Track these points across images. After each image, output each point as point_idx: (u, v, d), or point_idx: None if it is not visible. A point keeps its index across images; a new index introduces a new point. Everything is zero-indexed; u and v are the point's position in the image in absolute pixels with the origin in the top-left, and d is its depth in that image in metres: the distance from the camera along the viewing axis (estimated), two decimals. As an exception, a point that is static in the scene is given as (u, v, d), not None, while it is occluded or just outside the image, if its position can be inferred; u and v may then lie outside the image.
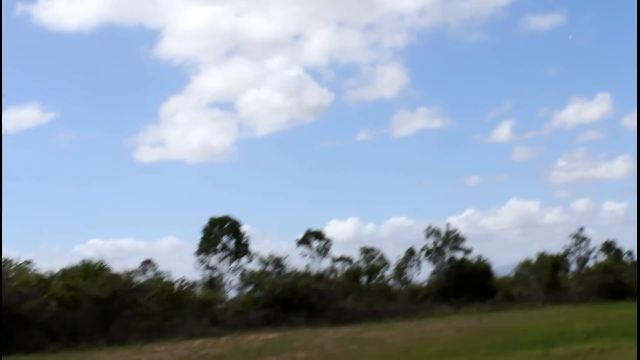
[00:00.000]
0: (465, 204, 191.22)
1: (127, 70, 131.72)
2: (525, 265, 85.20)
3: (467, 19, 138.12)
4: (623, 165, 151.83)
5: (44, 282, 55.97)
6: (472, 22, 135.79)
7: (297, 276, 67.86)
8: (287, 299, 62.88)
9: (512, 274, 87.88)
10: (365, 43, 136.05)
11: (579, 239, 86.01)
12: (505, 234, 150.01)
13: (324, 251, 79.64)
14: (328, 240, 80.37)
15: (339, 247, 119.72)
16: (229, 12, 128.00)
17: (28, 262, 64.35)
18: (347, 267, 79.55)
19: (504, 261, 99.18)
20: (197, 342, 45.79)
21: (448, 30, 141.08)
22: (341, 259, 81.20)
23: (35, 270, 62.65)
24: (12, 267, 62.72)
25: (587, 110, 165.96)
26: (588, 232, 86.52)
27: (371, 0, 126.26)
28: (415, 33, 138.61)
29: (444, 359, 28.10)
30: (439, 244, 79.29)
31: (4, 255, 65.00)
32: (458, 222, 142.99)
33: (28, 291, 51.57)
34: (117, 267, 62.40)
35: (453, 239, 78.91)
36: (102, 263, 62.93)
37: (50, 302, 51.87)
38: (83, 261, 63.01)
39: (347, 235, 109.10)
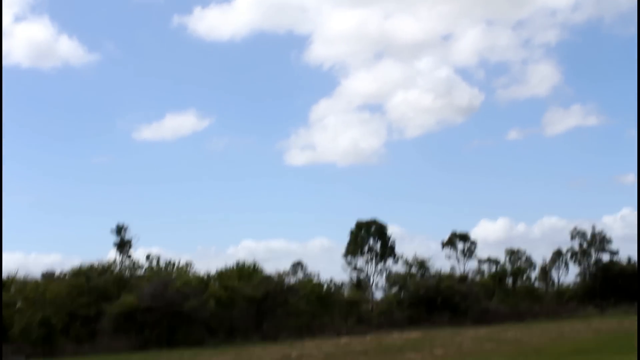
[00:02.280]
0: (621, 204, 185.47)
1: (278, 76, 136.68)
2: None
3: (623, 12, 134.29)
4: None
5: (203, 283, 60.45)
6: (629, 15, 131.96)
7: (441, 278, 69.60)
8: (431, 300, 64.76)
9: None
10: (515, 41, 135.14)
11: None
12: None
13: (468, 253, 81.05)
14: (473, 242, 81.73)
15: (488, 248, 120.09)
16: (377, 14, 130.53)
17: (189, 264, 69.55)
18: (493, 269, 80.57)
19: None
20: (344, 340, 48.46)
21: (603, 25, 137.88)
22: (487, 260, 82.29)
23: (195, 271, 67.68)
24: (174, 269, 67.98)
25: None
26: None
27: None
28: (568, 29, 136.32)
29: (572, 357, 29.42)
30: (585, 246, 78.92)
31: (167, 257, 70.43)
32: (614, 222, 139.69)
33: (189, 291, 55.95)
34: (269, 268, 66.51)
35: (599, 241, 78.38)
36: (255, 264, 67.12)
37: (209, 301, 55.96)
38: (238, 263, 67.41)
39: (497, 235, 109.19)
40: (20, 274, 63.48)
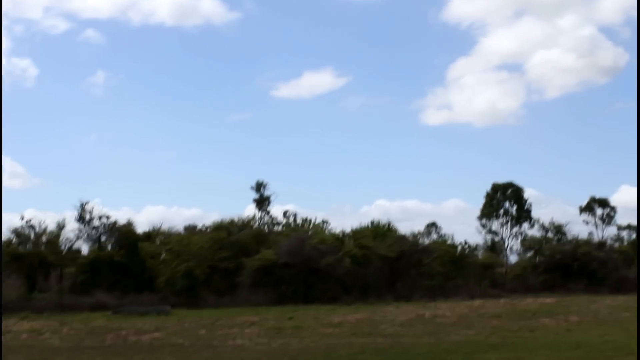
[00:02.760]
0: None
1: (416, 35, 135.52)
2: None
3: None
4: None
5: (338, 241, 61.81)
6: None
7: (578, 243, 68.37)
8: (567, 266, 63.85)
9: None
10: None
11: None
12: None
13: (607, 219, 79.18)
14: (612, 208, 79.75)
15: (628, 214, 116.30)
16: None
17: (325, 222, 71.20)
18: (633, 236, 78.44)
19: None
20: (477, 302, 48.80)
21: None
22: (627, 227, 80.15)
23: (330, 229, 69.23)
24: (311, 226, 69.72)
25: None
26: None
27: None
28: None
29: None
30: None
31: (303, 214, 72.26)
32: None
33: (325, 248, 57.37)
34: (403, 228, 67.13)
35: None
36: (389, 224, 67.93)
37: (345, 259, 57.25)
38: (372, 222, 68.42)
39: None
40: (165, 227, 66.83)
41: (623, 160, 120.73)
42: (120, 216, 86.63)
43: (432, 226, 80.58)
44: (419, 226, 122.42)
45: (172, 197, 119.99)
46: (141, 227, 64.92)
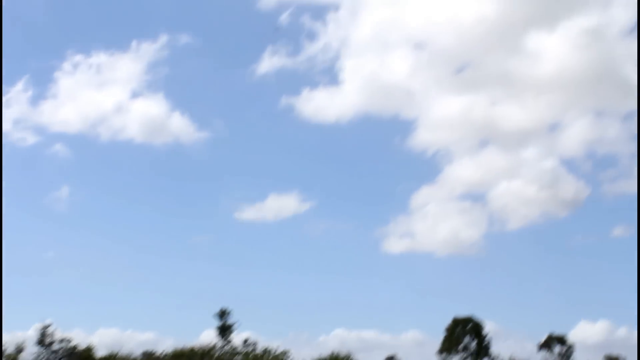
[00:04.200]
0: None
1: (382, 161, 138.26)
2: None
3: None
4: None
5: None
6: None
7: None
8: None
9: None
10: (625, 133, 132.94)
11: None
12: None
13: (565, 357, 79.80)
14: (570, 346, 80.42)
15: (586, 351, 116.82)
16: (483, 101, 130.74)
17: (285, 353, 71.09)
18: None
19: None
20: None
21: None
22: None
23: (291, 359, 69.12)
24: (270, 357, 69.65)
25: None
26: None
27: (633, 88, 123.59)
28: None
29: None
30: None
31: (260, 341, 71.95)
32: None
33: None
34: (363, 359, 66.88)
35: None
36: (349, 356, 68.10)
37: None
38: (332, 353, 68.51)
39: (597, 339, 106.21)
40: (123, 351, 66.35)
41: (582, 295, 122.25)
42: (72, 338, 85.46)
43: (391, 359, 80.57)
44: (377, 358, 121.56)
45: (127, 320, 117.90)
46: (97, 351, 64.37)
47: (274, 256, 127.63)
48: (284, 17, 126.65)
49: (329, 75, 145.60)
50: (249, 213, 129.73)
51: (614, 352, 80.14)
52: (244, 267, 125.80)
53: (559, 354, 79.79)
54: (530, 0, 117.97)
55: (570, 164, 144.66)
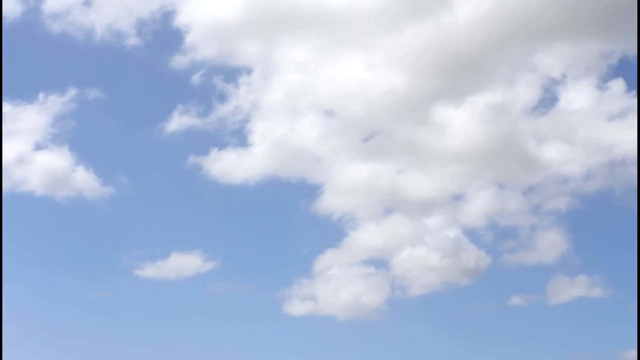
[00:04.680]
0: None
1: (287, 224, 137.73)
2: None
3: (634, 184, 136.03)
4: None
5: None
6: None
7: None
8: None
9: None
10: (526, 206, 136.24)
11: None
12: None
13: None
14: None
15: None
16: (389, 170, 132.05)
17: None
18: None
19: None
20: None
21: (614, 196, 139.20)
22: None
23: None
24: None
25: None
26: None
27: (534, 163, 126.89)
28: (579, 197, 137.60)
29: None
30: None
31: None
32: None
33: None
34: None
35: None
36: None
37: None
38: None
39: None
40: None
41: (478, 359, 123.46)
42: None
43: None
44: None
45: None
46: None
47: (174, 315, 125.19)
48: (196, 78, 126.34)
49: (239, 137, 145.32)
50: (150, 271, 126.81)
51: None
52: (143, 325, 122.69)
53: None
54: (439, 75, 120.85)
55: (472, 234, 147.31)
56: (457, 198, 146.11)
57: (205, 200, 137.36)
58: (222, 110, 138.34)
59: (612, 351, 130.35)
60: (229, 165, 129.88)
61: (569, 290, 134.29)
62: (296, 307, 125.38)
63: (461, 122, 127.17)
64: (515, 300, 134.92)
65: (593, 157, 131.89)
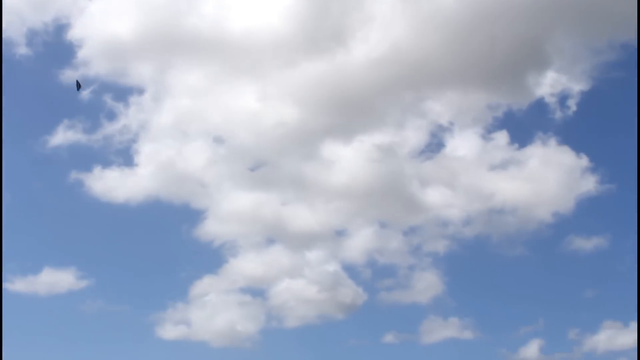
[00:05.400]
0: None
1: (167, 247, 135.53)
2: None
3: (511, 232, 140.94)
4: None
5: None
6: (516, 236, 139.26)
7: None
8: None
9: None
10: (405, 246, 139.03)
11: None
12: None
13: None
14: None
15: None
16: (274, 201, 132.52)
17: None
18: None
19: None
20: None
21: (491, 242, 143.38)
22: None
23: None
24: None
25: (619, 338, 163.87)
26: None
27: (417, 205, 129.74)
28: (457, 241, 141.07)
29: None
30: None
31: None
32: None
33: None
34: None
35: None
36: None
37: None
38: None
39: None
40: None
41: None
42: None
43: None
44: None
45: None
46: None
47: (42, 331, 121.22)
48: (86, 93, 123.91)
49: (124, 156, 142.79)
50: (20, 285, 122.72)
51: None
52: (11, 341, 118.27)
53: None
54: (330, 112, 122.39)
55: (351, 270, 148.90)
56: (339, 233, 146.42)
57: (85, 217, 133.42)
58: (110, 128, 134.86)
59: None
60: (111, 184, 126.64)
61: (441, 330, 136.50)
62: (169, 331, 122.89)
63: (349, 159, 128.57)
64: (389, 338, 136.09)
65: (473, 203, 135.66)
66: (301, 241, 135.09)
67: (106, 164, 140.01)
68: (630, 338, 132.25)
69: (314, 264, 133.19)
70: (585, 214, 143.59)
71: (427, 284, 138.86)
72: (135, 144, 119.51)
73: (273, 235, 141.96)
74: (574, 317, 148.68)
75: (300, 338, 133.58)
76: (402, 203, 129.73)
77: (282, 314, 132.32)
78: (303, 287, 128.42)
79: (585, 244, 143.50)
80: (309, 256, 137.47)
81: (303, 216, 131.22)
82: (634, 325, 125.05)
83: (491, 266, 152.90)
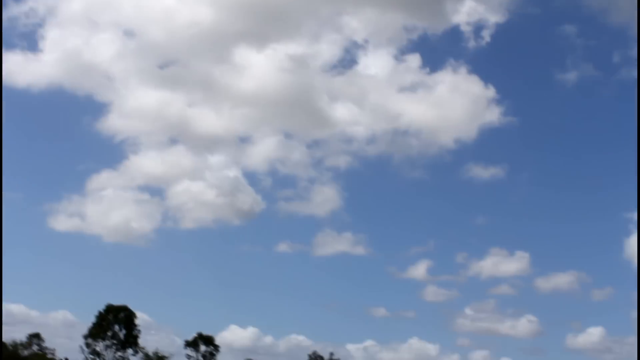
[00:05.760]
0: (367, 335, 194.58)
1: (66, 137, 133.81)
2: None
3: (412, 155, 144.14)
4: (527, 325, 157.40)
5: None
6: (417, 159, 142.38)
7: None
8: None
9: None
10: (308, 159, 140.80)
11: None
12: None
13: (209, 356, 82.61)
14: (216, 347, 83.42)
15: (233, 354, 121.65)
16: (181, 101, 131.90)
17: None
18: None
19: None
20: None
21: (392, 163, 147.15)
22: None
23: None
24: None
25: (504, 265, 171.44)
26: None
27: (324, 119, 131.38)
28: (359, 159, 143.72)
29: None
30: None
31: None
32: (356, 351, 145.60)
33: None
34: (5, 333, 64.27)
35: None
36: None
37: None
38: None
39: (244, 343, 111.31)
40: None
41: (238, 301, 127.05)
42: None
43: (35, 337, 78.09)
44: (21, 334, 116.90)
45: None
46: None
47: None
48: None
49: (29, 40, 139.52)
50: None
51: (259, 358, 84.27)
52: None
53: (204, 354, 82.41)
54: (246, 17, 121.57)
55: (252, 177, 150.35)
56: (243, 140, 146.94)
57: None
58: (16, 9, 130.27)
59: (364, 306, 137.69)
60: (13, 68, 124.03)
61: (334, 244, 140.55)
62: (62, 223, 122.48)
63: (260, 66, 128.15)
64: (283, 247, 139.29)
65: (379, 123, 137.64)
66: (204, 144, 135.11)
67: (10, 46, 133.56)
68: (513, 266, 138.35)
69: (215, 168, 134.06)
70: (486, 144, 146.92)
71: (325, 198, 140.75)
72: (41, 29, 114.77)
73: (176, 135, 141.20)
74: (463, 242, 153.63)
75: (194, 240, 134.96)
76: (309, 116, 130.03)
77: (179, 215, 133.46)
78: (202, 190, 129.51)
79: (483, 172, 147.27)
80: (211, 160, 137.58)
81: (208, 119, 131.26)
82: (520, 254, 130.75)
83: (390, 186, 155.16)
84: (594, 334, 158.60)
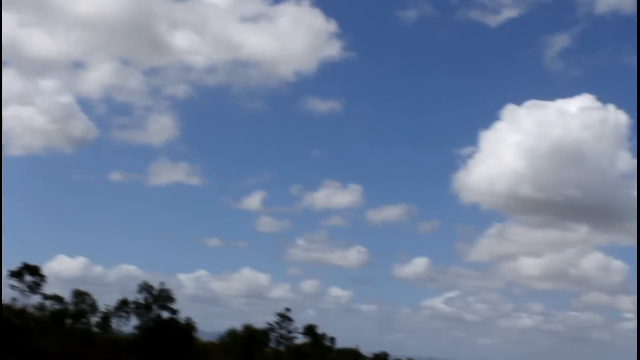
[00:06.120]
0: (200, 264, 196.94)
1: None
2: (230, 334, 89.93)
3: (252, 86, 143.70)
4: (357, 255, 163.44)
5: None
6: (256, 90, 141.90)
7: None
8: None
9: (218, 341, 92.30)
10: (145, 86, 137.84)
11: (284, 318, 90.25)
12: (231, 300, 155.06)
13: (35, 286, 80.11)
14: (43, 277, 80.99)
15: (61, 284, 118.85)
16: (12, 20, 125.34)
17: None
18: (56, 306, 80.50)
19: (221, 327, 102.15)
20: None
21: (230, 93, 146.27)
22: (52, 297, 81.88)
23: None
24: None
25: (337, 197, 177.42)
26: (309, 313, 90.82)
27: (163, 46, 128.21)
28: (198, 88, 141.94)
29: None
30: (150, 300, 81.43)
31: None
32: (188, 281, 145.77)
33: None
34: None
35: (163, 298, 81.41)
36: None
37: None
38: None
39: (73, 273, 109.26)
40: None
41: (67, 230, 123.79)
42: None
43: None
44: None
45: None
46: None
47: None
48: None
49: None
50: None
51: (88, 288, 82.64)
52: None
53: (29, 284, 79.82)
54: None
55: (85, 104, 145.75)
56: (77, 65, 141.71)
57: None
58: None
59: (197, 236, 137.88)
60: None
61: (169, 174, 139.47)
62: None
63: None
64: (116, 176, 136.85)
65: (219, 53, 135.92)
66: (36, 68, 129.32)
67: None
68: (346, 198, 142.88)
69: (47, 94, 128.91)
70: (325, 78, 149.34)
71: (161, 127, 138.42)
72: None
73: (6, 57, 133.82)
74: (298, 174, 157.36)
75: (22, 168, 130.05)
76: (148, 43, 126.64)
77: (7, 141, 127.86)
78: (32, 116, 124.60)
79: (321, 105, 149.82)
80: (42, 85, 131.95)
81: (41, 42, 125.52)
82: (353, 186, 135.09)
83: (227, 116, 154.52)
84: (419, 264, 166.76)
